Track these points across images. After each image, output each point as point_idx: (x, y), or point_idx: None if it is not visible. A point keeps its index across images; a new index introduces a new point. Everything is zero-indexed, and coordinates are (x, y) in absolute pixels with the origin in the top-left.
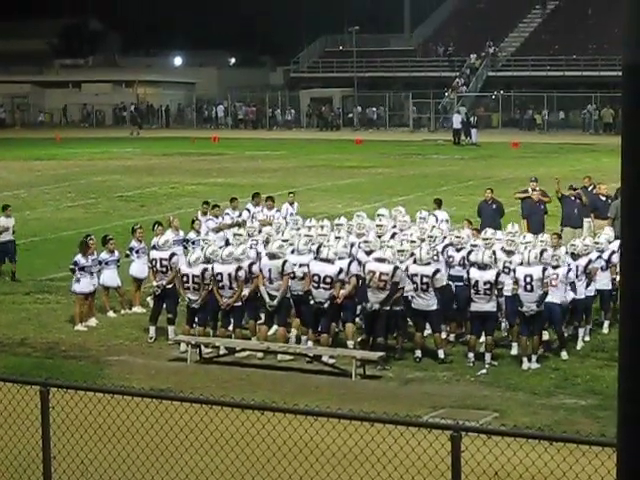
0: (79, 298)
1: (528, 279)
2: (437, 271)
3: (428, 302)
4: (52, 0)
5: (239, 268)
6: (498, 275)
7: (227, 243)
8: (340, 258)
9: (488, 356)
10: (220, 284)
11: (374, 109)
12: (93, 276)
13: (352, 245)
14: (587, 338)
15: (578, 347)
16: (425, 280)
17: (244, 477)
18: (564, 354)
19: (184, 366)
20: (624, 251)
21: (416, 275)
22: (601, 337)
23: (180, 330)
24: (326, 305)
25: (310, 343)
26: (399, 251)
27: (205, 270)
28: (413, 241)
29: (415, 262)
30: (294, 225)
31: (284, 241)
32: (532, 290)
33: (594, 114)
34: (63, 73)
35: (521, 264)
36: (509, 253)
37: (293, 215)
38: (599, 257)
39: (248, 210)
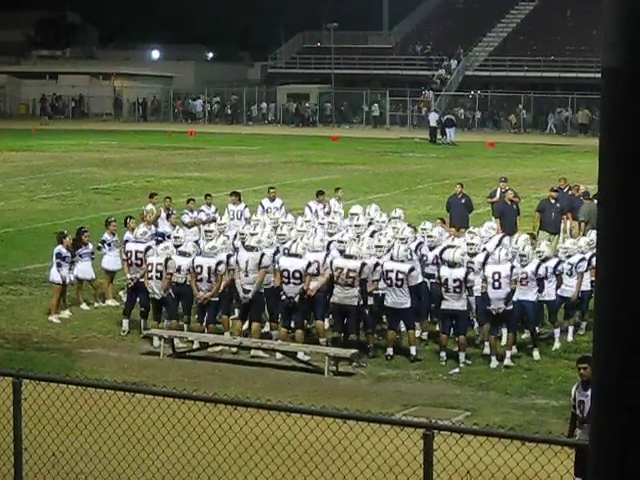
0: (57, 288)
1: (496, 276)
2: (412, 269)
3: (401, 299)
4: None
5: (219, 262)
6: (467, 273)
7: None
8: (315, 251)
9: (462, 355)
10: (199, 277)
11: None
12: (70, 267)
13: (330, 242)
14: (559, 338)
15: (554, 348)
16: (400, 276)
17: (215, 472)
18: (536, 354)
19: (157, 360)
20: (600, 252)
21: (391, 271)
22: (574, 338)
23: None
24: (297, 299)
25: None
26: (377, 246)
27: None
28: (402, 238)
29: (392, 259)
30: (272, 221)
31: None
32: (500, 287)
33: (525, 115)
34: (40, 64)
35: (485, 262)
36: (472, 255)
37: (337, 212)
38: (582, 259)
39: (310, 207)
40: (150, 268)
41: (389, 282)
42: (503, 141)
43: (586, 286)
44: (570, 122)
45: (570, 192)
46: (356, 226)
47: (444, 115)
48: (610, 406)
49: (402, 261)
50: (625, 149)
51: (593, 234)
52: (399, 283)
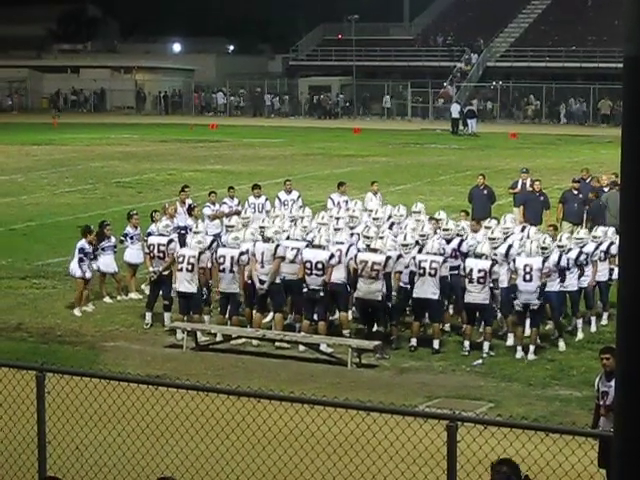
0: (79, 282)
1: (528, 269)
2: (445, 260)
3: (432, 289)
4: None
5: (242, 253)
6: (492, 265)
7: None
8: (338, 243)
9: (487, 345)
10: (221, 267)
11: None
12: (92, 259)
13: (352, 234)
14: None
15: (577, 339)
16: (434, 265)
17: (239, 464)
18: (562, 345)
19: (180, 353)
20: (622, 241)
21: (425, 261)
22: (597, 328)
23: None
24: (321, 293)
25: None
26: (403, 245)
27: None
28: (422, 235)
29: (420, 252)
30: (292, 213)
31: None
32: (531, 280)
33: (538, 106)
34: (61, 58)
35: (507, 253)
36: (494, 248)
37: (378, 206)
38: (597, 248)
39: (332, 200)
40: (181, 260)
41: (422, 272)
42: (525, 132)
43: (604, 276)
44: (591, 112)
45: (592, 183)
46: (374, 219)
47: (465, 106)
48: (634, 396)
49: (435, 254)
50: None
51: (600, 228)
52: (432, 272)
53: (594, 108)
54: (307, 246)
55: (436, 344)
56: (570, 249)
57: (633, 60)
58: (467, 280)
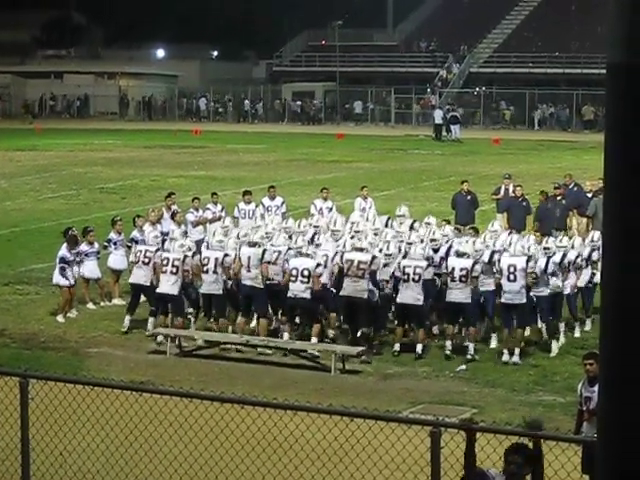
0: (65, 291)
1: (512, 269)
2: (429, 265)
3: (415, 296)
4: None
5: (227, 255)
6: (475, 264)
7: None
8: (324, 249)
9: (471, 346)
10: (205, 268)
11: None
12: (74, 268)
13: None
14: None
15: (559, 344)
16: (418, 271)
17: (222, 471)
18: (554, 348)
19: (163, 359)
20: (605, 248)
21: (409, 266)
22: (581, 334)
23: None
24: (307, 296)
25: (286, 336)
26: (386, 255)
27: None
28: (409, 243)
29: (405, 258)
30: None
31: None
32: (515, 280)
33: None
34: (45, 64)
35: (491, 259)
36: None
37: (366, 211)
38: (578, 255)
39: (315, 205)
40: (166, 262)
41: (406, 277)
42: (508, 137)
43: (582, 282)
44: (574, 118)
45: (575, 189)
46: (356, 232)
47: (449, 112)
48: (617, 402)
49: (419, 259)
50: (630, 145)
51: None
52: (416, 278)
53: (577, 114)
54: (295, 255)
55: (419, 348)
56: (554, 252)
57: (616, 66)
58: (449, 279)
